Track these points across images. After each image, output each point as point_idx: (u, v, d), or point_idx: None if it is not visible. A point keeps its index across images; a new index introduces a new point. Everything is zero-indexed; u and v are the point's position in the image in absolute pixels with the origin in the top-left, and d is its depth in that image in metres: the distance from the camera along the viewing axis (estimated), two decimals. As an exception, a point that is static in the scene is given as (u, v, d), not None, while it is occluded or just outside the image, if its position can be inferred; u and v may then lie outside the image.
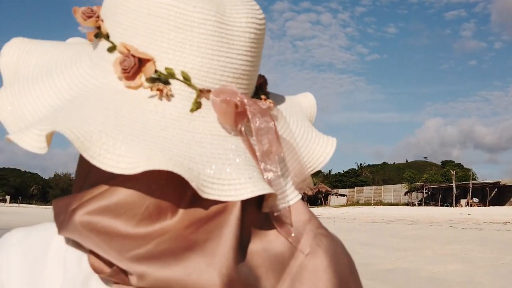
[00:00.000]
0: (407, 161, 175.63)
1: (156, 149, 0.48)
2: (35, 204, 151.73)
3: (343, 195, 72.65)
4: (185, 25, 0.51)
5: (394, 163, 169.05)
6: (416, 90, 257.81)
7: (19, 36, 0.60)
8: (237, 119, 0.53)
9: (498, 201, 49.25)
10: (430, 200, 58.49)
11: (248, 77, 0.56)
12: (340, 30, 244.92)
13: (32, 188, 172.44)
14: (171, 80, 0.51)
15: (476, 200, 49.65)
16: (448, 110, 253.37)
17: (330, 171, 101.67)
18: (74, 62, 0.56)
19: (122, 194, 0.50)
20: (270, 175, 0.53)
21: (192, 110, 0.52)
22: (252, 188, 0.50)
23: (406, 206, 53.43)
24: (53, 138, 0.47)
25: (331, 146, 0.62)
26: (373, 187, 71.85)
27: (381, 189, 68.62)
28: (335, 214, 42.49)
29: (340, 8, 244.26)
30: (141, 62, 0.51)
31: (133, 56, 0.51)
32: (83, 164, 0.55)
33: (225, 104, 0.51)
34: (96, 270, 0.50)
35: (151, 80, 0.51)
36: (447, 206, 50.98)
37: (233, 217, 0.49)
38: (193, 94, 0.52)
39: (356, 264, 0.50)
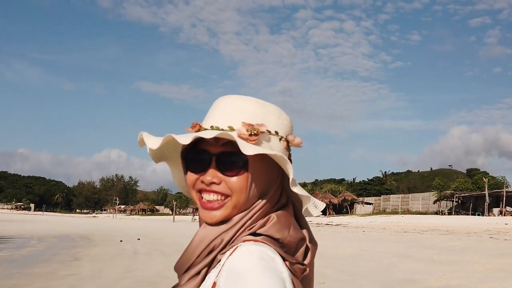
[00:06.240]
0: (431, 169, 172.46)
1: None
2: (59, 212, 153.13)
3: (369, 204, 70.91)
4: (290, 127, 1.05)
5: (419, 171, 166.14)
6: (441, 97, 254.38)
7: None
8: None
9: (531, 210, 47.19)
10: (460, 208, 56.56)
11: None
12: (363, 38, 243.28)
13: (57, 196, 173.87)
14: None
15: (510, 209, 47.64)
16: (473, 118, 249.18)
17: (354, 179, 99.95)
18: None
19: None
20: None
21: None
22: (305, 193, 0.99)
23: (436, 215, 51.71)
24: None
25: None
26: (400, 195, 69.88)
27: (408, 197, 66.68)
28: (363, 223, 41.17)
29: (363, 16, 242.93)
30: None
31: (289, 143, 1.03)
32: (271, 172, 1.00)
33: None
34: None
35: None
36: (478, 215, 49.10)
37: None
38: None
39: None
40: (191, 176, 0.99)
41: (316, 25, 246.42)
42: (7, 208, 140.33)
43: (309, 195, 0.98)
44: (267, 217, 0.96)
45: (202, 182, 0.97)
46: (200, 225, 1.02)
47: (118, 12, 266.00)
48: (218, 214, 0.95)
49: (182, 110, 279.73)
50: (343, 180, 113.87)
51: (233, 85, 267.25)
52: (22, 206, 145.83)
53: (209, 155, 0.96)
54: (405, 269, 12.04)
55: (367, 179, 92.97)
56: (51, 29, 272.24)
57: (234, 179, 0.95)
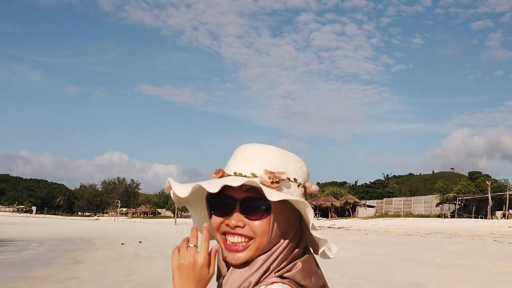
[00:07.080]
0: (433, 172, 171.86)
1: None
2: (61, 214, 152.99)
3: (372, 207, 70.64)
4: (307, 174, 1.13)
5: (421, 174, 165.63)
6: (442, 100, 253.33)
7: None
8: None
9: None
10: (463, 211, 56.35)
11: None
12: (365, 41, 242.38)
13: (58, 199, 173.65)
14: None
15: (512, 212, 47.45)
16: (474, 121, 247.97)
17: (356, 182, 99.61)
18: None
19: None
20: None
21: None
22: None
23: (438, 218, 51.54)
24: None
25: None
26: (402, 198, 69.48)
27: (410, 200, 66.35)
28: (365, 226, 41.03)
29: (365, 19, 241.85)
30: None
31: (306, 190, 1.12)
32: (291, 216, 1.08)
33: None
34: None
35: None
36: (481, 218, 48.92)
37: None
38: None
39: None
40: (216, 219, 1.07)
41: (317, 28, 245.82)
42: (9, 211, 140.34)
43: (327, 238, 1.06)
44: (293, 263, 1.04)
45: (227, 225, 1.05)
46: (218, 266, 1.10)
47: (120, 15, 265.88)
48: (242, 256, 1.03)
49: (183, 113, 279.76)
50: (345, 183, 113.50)
51: (235, 88, 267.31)
52: (24, 209, 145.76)
53: (234, 200, 1.04)
54: (409, 272, 11.92)
55: (369, 182, 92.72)
56: (52, 32, 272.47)
57: (257, 222, 1.03)
